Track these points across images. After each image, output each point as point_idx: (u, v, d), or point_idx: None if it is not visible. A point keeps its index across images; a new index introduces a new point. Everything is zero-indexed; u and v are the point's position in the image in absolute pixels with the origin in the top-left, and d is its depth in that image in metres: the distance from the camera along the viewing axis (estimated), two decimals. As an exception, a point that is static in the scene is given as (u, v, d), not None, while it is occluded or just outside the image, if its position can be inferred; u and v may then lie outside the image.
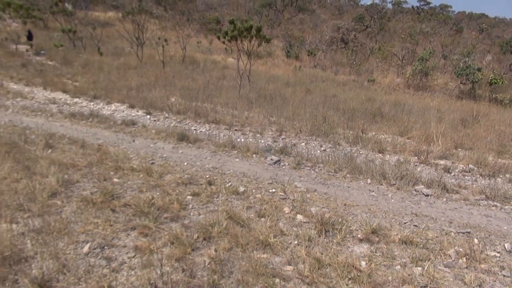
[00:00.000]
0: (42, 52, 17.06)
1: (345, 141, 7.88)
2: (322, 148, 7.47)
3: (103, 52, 18.29)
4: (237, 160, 6.53)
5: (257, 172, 6.03)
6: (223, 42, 11.69)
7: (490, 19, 47.33)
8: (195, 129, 8.47)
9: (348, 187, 5.68)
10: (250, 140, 7.69)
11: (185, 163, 6.21)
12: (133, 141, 7.28)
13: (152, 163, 6.08)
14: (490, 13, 50.31)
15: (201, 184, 5.35)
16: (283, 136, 8.08)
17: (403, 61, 21.48)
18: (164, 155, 6.56)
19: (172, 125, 8.72)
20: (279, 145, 7.46)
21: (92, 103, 10.13)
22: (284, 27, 28.81)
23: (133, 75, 13.76)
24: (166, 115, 9.41)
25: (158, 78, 13.20)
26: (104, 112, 9.40)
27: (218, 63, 18.68)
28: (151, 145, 7.10)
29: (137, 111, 9.60)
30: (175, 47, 19.69)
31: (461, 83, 18.72)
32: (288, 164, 6.38)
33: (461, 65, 19.84)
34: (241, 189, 5.19)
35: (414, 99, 15.05)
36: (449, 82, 19.78)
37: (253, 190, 5.24)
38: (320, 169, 6.22)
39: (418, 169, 6.59)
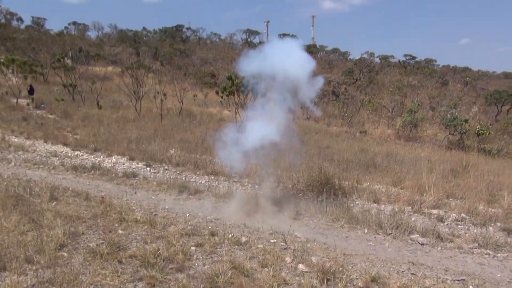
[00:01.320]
0: (43, 106, 17.49)
1: (341, 191, 8.12)
2: (319, 199, 7.68)
3: (102, 105, 18.79)
4: (238, 210, 6.71)
5: (258, 222, 6.19)
6: (221, 97, 12.18)
7: (473, 72, 49.37)
8: (194, 181, 8.69)
9: (346, 236, 5.85)
10: (249, 191, 7.89)
11: (187, 214, 6.37)
12: (135, 193, 7.46)
13: (155, 215, 6.24)
14: (473, 67, 52.48)
15: (204, 235, 5.49)
16: (280, 188, 8.31)
17: (393, 112, 22.22)
18: (166, 207, 6.72)
19: (172, 177, 8.93)
20: (277, 196, 7.67)
21: (93, 156, 10.37)
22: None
23: (132, 128, 14.13)
24: (166, 167, 9.65)
25: (156, 130, 13.56)
26: (105, 164, 9.62)
27: (214, 115, 19.21)
28: (153, 197, 7.28)
29: (137, 163, 9.84)
30: (172, 100, 20.26)
31: (449, 133, 19.32)
32: (287, 215, 6.57)
33: (449, 116, 20.59)
34: (243, 239, 5.34)
35: (405, 149, 15.48)
36: (438, 133, 20.41)
37: (255, 241, 5.39)
38: (319, 219, 6.42)
39: (413, 219, 6.79)
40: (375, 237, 5.86)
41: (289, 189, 8.28)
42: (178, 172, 9.33)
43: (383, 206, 7.47)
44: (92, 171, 8.64)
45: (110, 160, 10.05)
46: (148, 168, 9.48)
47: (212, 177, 8.95)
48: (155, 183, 8.02)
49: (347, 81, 30.01)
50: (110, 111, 17.77)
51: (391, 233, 5.91)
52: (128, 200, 6.95)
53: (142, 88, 18.88)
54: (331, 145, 14.32)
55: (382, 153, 13.10)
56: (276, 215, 6.55)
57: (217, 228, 5.77)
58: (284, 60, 6.66)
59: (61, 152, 10.53)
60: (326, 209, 6.71)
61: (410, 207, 7.31)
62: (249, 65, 6.83)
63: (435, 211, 7.15)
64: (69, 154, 10.35)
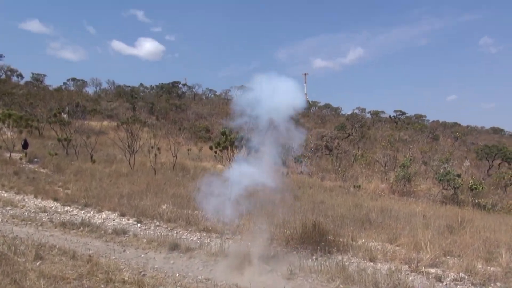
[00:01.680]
0: (36, 160, 17.37)
1: (336, 249, 7.91)
2: (313, 257, 7.46)
3: (96, 159, 18.71)
4: (229, 270, 6.46)
5: (251, 282, 5.94)
6: (215, 152, 12.19)
7: (463, 127, 50.33)
8: (186, 238, 8.45)
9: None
10: (242, 249, 7.65)
11: (177, 274, 6.12)
12: (124, 251, 7.21)
13: (143, 275, 5.99)
14: (462, 122, 53.64)
15: (194, 297, 5.25)
16: (274, 245, 8.09)
17: (386, 167, 22.30)
18: (156, 266, 6.47)
19: (163, 233, 8.69)
20: (270, 254, 7.44)
21: (83, 211, 10.13)
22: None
23: (125, 182, 13.96)
24: (157, 223, 9.43)
25: (149, 185, 13.40)
26: (95, 220, 9.38)
27: (208, 170, 19.10)
28: (142, 255, 7.02)
29: (128, 219, 9.61)
30: (167, 155, 20.25)
31: (443, 188, 19.30)
32: (281, 274, 6.33)
33: (441, 171, 20.68)
34: (235, 302, 5.09)
35: (399, 204, 15.35)
36: (432, 188, 20.38)
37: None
38: (313, 279, 6.17)
39: (410, 278, 6.56)
40: (372, 299, 5.62)
41: (283, 246, 8.05)
42: (169, 228, 9.10)
43: (379, 264, 7.24)
44: (81, 228, 8.39)
45: (100, 216, 9.81)
46: (139, 225, 9.24)
47: (204, 234, 8.72)
48: (145, 240, 7.78)
49: (340, 135, 30.39)
50: (103, 165, 17.65)
51: (389, 295, 5.68)
52: (116, 259, 6.69)
53: (136, 142, 18.95)
54: (325, 200, 14.19)
55: (376, 209, 12.94)
56: (269, 274, 6.30)
57: (208, 289, 5.53)
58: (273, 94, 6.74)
59: (51, 207, 10.30)
60: (321, 267, 6.48)
61: (407, 266, 7.09)
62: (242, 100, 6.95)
63: (432, 270, 6.93)
64: (59, 210, 10.11)
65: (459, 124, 52.38)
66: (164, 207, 10.63)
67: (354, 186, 18.65)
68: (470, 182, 19.43)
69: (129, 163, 17.38)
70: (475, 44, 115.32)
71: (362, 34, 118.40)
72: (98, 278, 5.63)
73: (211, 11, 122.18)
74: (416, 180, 20.53)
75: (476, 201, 19.17)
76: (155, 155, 15.89)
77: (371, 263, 7.27)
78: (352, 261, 7.37)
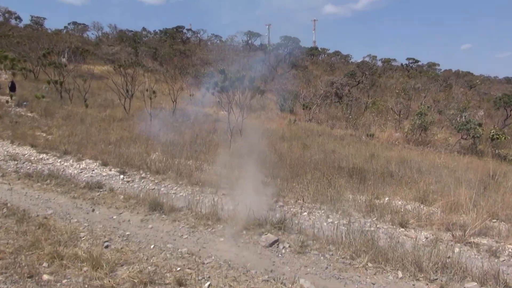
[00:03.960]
0: (25, 103, 15.62)
1: (357, 209, 6.24)
2: (329, 220, 5.81)
3: (91, 104, 16.98)
4: (222, 240, 4.82)
5: (247, 259, 4.32)
6: (212, 94, 10.34)
7: (476, 77, 47.40)
8: (174, 193, 6.82)
9: (373, 283, 3.97)
10: (240, 208, 5.97)
11: (152, 245, 4.50)
12: (93, 211, 5.59)
13: (106, 246, 4.37)
14: (474, 72, 50.52)
15: (167, 284, 3.63)
16: (280, 203, 6.44)
17: (400, 115, 20.34)
18: (127, 233, 4.85)
19: (148, 187, 7.08)
20: (276, 215, 5.79)
21: (60, 160, 8.51)
22: (277, 82, 27.98)
23: (117, 128, 12.28)
24: (143, 174, 7.79)
25: (142, 131, 11.69)
26: (70, 170, 7.76)
27: (210, 116, 17.34)
28: (114, 217, 5.41)
29: (110, 170, 7.98)
30: (167, 100, 18.44)
31: (462, 138, 17.42)
32: (289, 246, 4.68)
33: (459, 120, 18.74)
34: (224, 293, 3.48)
35: (418, 155, 13.58)
36: (449, 137, 18.50)
37: (241, 295, 3.53)
38: (332, 254, 4.52)
39: (456, 250, 4.90)
40: (413, 285, 3.97)
41: (291, 206, 6.40)
42: (156, 181, 7.46)
43: (412, 231, 5.58)
44: (48, 180, 6.77)
45: (78, 165, 8.19)
46: (122, 176, 7.61)
47: (197, 188, 7.07)
48: (122, 197, 6.14)
49: (350, 83, 28.12)
50: (97, 110, 15.93)
51: (436, 278, 4.03)
52: (79, 222, 5.09)
53: (133, 87, 17.07)
54: (337, 150, 12.44)
55: (395, 160, 11.19)
56: (274, 247, 4.67)
57: (189, 271, 3.90)
58: None
59: (24, 155, 8.67)
60: (341, 237, 4.81)
61: (449, 234, 5.42)
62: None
63: (483, 241, 5.26)
64: (32, 158, 8.48)
65: (472, 74, 49.29)
66: (154, 155, 8.97)
67: (367, 135, 16.82)
68: (492, 131, 17.51)
69: (124, 108, 15.61)
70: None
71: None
72: (42, 253, 4.03)
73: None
74: (432, 129, 18.62)
75: (497, 151, 17.40)
76: (150, 98, 14.04)
77: (402, 229, 5.61)
78: (378, 226, 5.71)
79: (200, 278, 3.76)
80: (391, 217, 5.89)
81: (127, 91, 16.55)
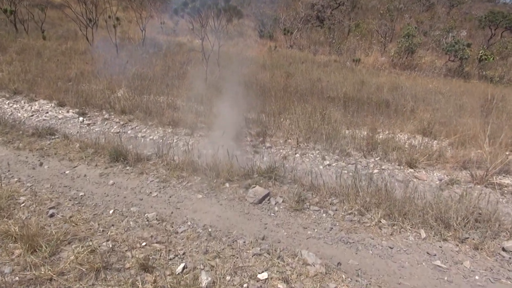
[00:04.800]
0: (-28, 37, 13.61)
1: (356, 147, 5.31)
2: (326, 163, 4.89)
3: (51, 36, 15.03)
4: (200, 196, 3.86)
5: (232, 223, 3.39)
6: (182, 17, 8.83)
7: (457, -4, 45.27)
8: (143, 137, 5.73)
9: (390, 248, 3.13)
10: (221, 152, 4.95)
11: (112, 210, 3.51)
12: (40, 165, 4.49)
13: (51, 215, 3.36)
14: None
15: (128, 269, 2.69)
16: (267, 144, 5.44)
17: (386, 38, 19.01)
18: (81, 194, 3.82)
19: (112, 130, 5.95)
20: (263, 159, 4.83)
21: (8, 101, 7.17)
22: (254, 6, 25.75)
23: (78, 62, 10.74)
24: (106, 115, 6.60)
25: (107, 64, 10.21)
26: (20, 114, 6.50)
27: (184, 45, 15.69)
28: (67, 172, 4.33)
29: (67, 111, 6.74)
30: (136, 30, 16.52)
31: (449, 60, 16.44)
32: (283, 201, 3.76)
33: (445, 41, 17.63)
34: (205, 279, 2.56)
35: (407, 80, 12.60)
36: (435, 60, 17.47)
37: (228, 279, 2.62)
38: (336, 210, 3.63)
39: (475, 194, 4.08)
40: (441, 247, 3.15)
41: (281, 147, 5.42)
42: (122, 123, 6.31)
43: (423, 171, 4.73)
44: (-12, 128, 5.54)
45: (30, 108, 6.90)
46: (81, 118, 6.41)
47: (170, 130, 5.99)
48: (78, 145, 5.02)
49: (331, 4, 26.11)
50: (57, 43, 14.05)
51: (468, 237, 3.21)
52: (20, 182, 4.00)
53: (96, 15, 15.03)
54: (322, 78, 11.31)
55: (386, 86, 10.21)
56: (265, 204, 3.74)
57: (158, 247, 2.95)
58: None
59: (-35, 97, 7.29)
60: (346, 187, 3.89)
61: (465, 173, 4.59)
62: None
63: (507, 181, 4.46)
64: (-25, 101, 7.13)
65: (454, -8, 47.05)
66: (120, 92, 7.69)
67: (353, 60, 15.61)
68: (480, 52, 16.55)
69: (87, 38, 13.77)
70: None
71: None
72: (-38, 230, 3.00)
73: None
74: (418, 52, 17.49)
75: (484, 73, 16.59)
76: (114, 27, 12.29)
77: (412, 171, 4.75)
78: (383, 167, 4.82)
79: (171, 256, 2.83)
80: (396, 155, 5.00)
81: (90, 20, 14.59)
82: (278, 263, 2.77)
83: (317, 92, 8.79)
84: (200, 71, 9.64)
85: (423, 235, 3.24)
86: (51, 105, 7.02)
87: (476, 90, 10.62)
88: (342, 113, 6.61)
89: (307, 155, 5.12)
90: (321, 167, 4.77)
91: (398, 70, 15.68)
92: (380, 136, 5.71)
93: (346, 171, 4.56)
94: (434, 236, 3.24)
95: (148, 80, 8.44)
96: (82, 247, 2.86)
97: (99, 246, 2.89)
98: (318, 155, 5.09)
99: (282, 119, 6.23)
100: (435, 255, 3.05)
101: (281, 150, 5.26)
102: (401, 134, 5.95)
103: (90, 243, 2.92)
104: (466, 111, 7.52)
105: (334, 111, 6.58)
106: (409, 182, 4.22)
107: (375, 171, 4.65)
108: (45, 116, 6.46)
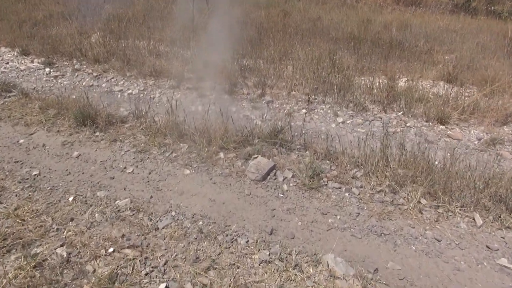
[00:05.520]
0: None
1: (373, 100, 4.40)
2: (339, 120, 4.00)
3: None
4: (188, 172, 3.00)
5: (230, 209, 2.57)
6: None
7: None
8: (120, 91, 4.75)
9: (438, 240, 2.36)
10: (212, 108, 3.99)
11: (72, 197, 2.66)
12: (-11, 132, 3.57)
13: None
14: None
15: (87, 294, 1.89)
16: (268, 98, 4.50)
17: (388, -29, 17.27)
18: (35, 172, 2.95)
19: (84, 83, 4.96)
20: (265, 116, 3.94)
21: (-38, 51, 6.05)
22: None
23: (48, 2, 9.34)
24: (77, 65, 5.54)
25: (79, 4, 8.86)
26: (-25, 66, 5.44)
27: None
28: (21, 141, 3.43)
29: (32, 61, 5.67)
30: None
31: (456, -6, 15.00)
32: (293, 176, 2.92)
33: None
34: None
35: (414, 18, 11.36)
36: (441, -5, 15.98)
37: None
38: (361, 187, 2.81)
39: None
40: (503, 239, 2.38)
41: (284, 100, 4.49)
42: (95, 74, 5.28)
43: (456, 129, 3.88)
44: None
45: (-13, 57, 5.81)
46: (48, 69, 5.37)
47: (151, 82, 4.99)
48: (37, 105, 4.05)
49: None
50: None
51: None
52: (-42, 158, 3.11)
53: None
54: (322, 16, 10.06)
55: (394, 25, 9.06)
56: (271, 181, 2.90)
57: (130, 254, 2.14)
58: None
59: None
60: (374, 158, 3.03)
61: (509, 130, 3.76)
62: None
63: (560, 140, 3.64)
64: None
65: None
66: (94, 37, 6.54)
67: (353, -4, 14.11)
68: (490, -15, 15.07)
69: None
70: None
71: None
72: None
73: None
74: (423, -15, 15.94)
75: (492, 8, 15.27)
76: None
77: (443, 128, 3.88)
78: (408, 124, 3.95)
79: (149, 270, 2.02)
80: (423, 109, 4.11)
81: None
82: (295, 275, 1.99)
83: (320, 33, 7.69)
84: (187, 11, 8.38)
85: (479, 221, 2.46)
86: (13, 54, 5.91)
87: (490, 28, 9.50)
88: (353, 57, 5.60)
89: (315, 110, 4.21)
90: (333, 125, 3.90)
91: (401, 7, 14.29)
92: (400, 84, 4.78)
93: (363, 130, 3.70)
94: (492, 223, 2.47)
95: (127, 22, 7.23)
96: (25, 257, 2.05)
97: (50, 255, 2.08)
98: (329, 110, 4.19)
99: (283, 66, 5.23)
100: (498, 250, 2.29)
101: (284, 105, 4.34)
102: (422, 82, 5.01)
103: (38, 251, 2.10)
104: (488, 52, 6.54)
105: (345, 56, 5.57)
106: (440, 144, 3.38)
107: (399, 129, 3.79)
108: (4, 68, 5.40)
